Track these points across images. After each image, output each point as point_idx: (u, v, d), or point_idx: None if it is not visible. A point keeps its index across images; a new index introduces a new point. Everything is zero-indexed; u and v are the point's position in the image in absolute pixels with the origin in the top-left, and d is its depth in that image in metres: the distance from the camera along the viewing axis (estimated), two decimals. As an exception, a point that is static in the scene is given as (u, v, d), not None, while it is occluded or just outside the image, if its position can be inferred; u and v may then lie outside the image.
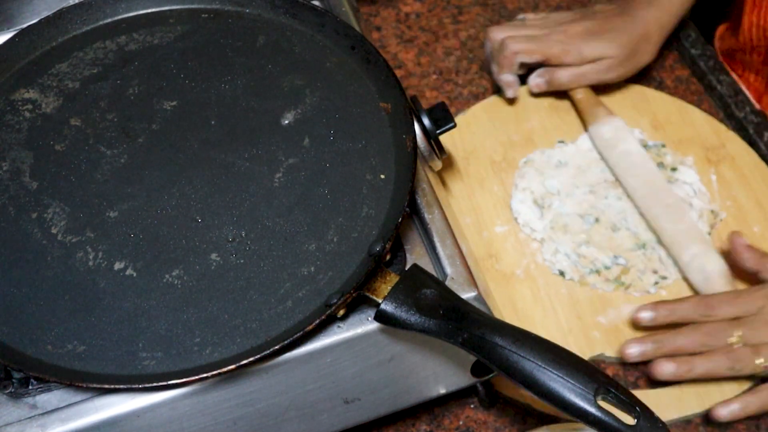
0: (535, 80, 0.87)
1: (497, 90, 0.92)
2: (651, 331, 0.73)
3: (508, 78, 0.87)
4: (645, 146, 0.86)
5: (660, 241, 0.79)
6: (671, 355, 0.71)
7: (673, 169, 0.84)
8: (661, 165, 0.84)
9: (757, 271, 0.73)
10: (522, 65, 0.87)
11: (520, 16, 0.91)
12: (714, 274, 0.75)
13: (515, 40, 0.85)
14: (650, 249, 0.79)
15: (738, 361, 0.69)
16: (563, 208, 0.82)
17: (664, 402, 0.71)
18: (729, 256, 0.76)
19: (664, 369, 0.70)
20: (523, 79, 0.90)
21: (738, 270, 0.75)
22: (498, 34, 0.87)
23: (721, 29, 1.01)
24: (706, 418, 0.71)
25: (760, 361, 0.68)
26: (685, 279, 0.77)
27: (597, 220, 0.81)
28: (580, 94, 0.87)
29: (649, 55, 0.87)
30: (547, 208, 0.82)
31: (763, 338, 0.69)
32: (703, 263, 0.75)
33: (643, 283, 0.77)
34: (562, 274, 0.78)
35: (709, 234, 0.80)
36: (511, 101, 0.90)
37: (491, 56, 0.88)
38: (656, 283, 0.77)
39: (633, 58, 0.86)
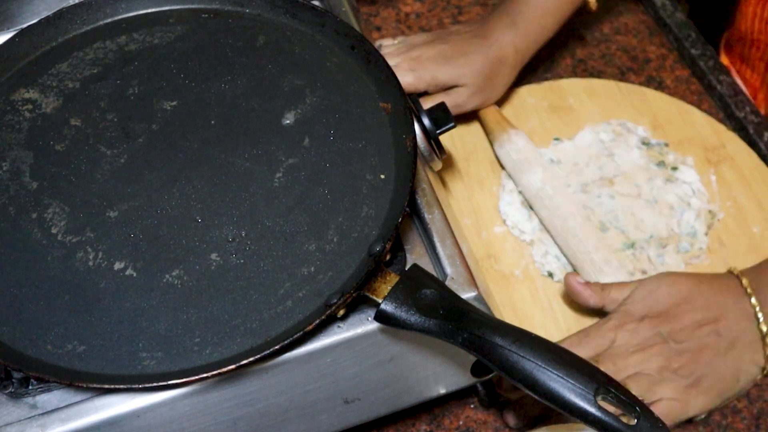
0: None
1: (497, 90, 0.92)
2: None
3: None
4: (647, 144, 0.85)
5: (648, 240, 0.79)
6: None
7: (674, 168, 0.84)
8: (662, 164, 0.84)
9: (601, 306, 0.71)
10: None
11: (377, 43, 0.88)
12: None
13: None
14: (639, 249, 0.79)
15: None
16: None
17: (664, 402, 0.71)
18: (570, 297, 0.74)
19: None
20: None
21: (585, 309, 0.74)
22: None
23: (727, 35, 1.01)
24: (706, 419, 0.71)
25: None
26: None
27: (587, 219, 0.81)
28: (484, 113, 0.86)
29: (506, 79, 0.84)
30: (537, 208, 0.82)
31: (623, 372, 0.66)
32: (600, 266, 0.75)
33: None
34: (550, 275, 0.78)
35: (706, 234, 0.80)
36: (512, 102, 0.90)
37: None
38: None
39: (490, 85, 0.83)
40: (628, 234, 0.80)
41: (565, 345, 0.64)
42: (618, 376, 0.66)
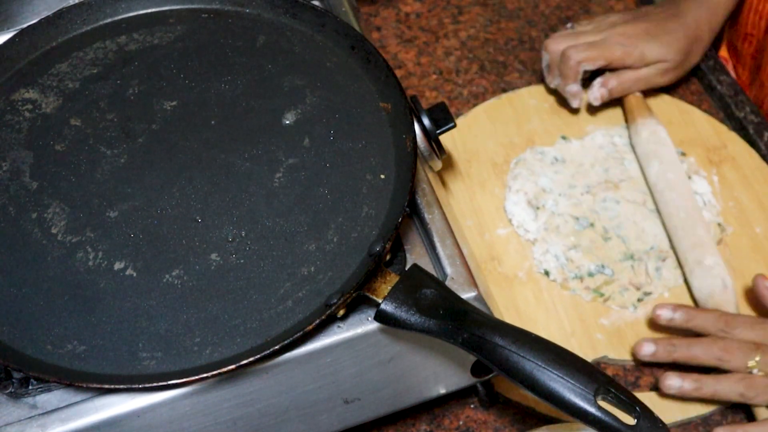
0: (595, 93, 0.86)
1: (497, 91, 0.92)
2: (666, 336, 0.72)
3: (573, 89, 0.86)
4: None
5: (648, 252, 0.78)
6: (683, 363, 0.70)
7: (688, 178, 0.83)
8: None
9: None
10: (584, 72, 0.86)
11: (569, 24, 0.91)
12: (730, 285, 0.74)
13: (577, 49, 0.84)
14: (638, 260, 0.78)
15: (752, 389, 0.67)
16: (557, 208, 0.81)
17: (667, 404, 0.71)
18: (751, 294, 0.75)
19: (672, 383, 0.69)
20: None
21: (760, 309, 0.74)
22: (558, 45, 0.86)
23: (728, 28, 1.01)
24: (706, 419, 0.71)
25: None
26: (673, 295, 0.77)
27: (591, 224, 0.80)
28: (630, 98, 0.88)
29: (698, 57, 0.88)
30: (541, 209, 0.82)
31: None
32: (724, 273, 0.74)
33: (623, 298, 0.76)
34: (546, 273, 0.78)
35: (718, 244, 0.79)
36: (513, 103, 0.90)
37: (550, 68, 0.87)
38: (639, 300, 0.76)
39: (686, 62, 0.87)
40: (628, 244, 0.79)
41: (737, 320, 0.69)
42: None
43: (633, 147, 0.86)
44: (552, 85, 0.88)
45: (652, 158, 0.82)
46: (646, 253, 0.79)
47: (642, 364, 0.74)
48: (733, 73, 0.96)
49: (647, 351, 0.71)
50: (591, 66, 0.85)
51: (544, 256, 0.79)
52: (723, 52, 1.00)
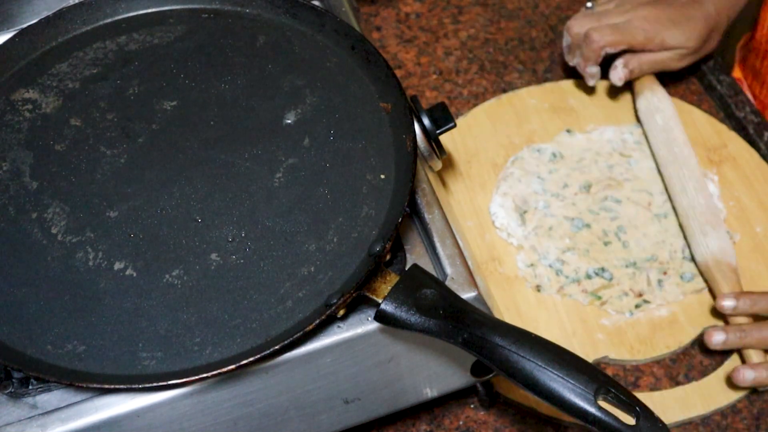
0: (619, 74, 0.86)
1: (497, 91, 0.92)
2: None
3: (593, 70, 0.86)
4: None
5: (650, 261, 0.78)
6: (754, 347, 0.71)
7: None
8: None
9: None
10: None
11: (588, 4, 0.91)
12: (718, 256, 0.75)
13: (600, 31, 0.84)
14: (640, 269, 0.77)
15: None
16: (549, 210, 0.81)
17: (668, 404, 0.71)
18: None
19: (746, 376, 0.70)
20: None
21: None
22: (580, 26, 0.86)
23: (746, 36, 1.01)
24: (706, 419, 0.71)
25: None
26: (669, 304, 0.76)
27: (588, 225, 0.80)
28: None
29: (715, 44, 0.89)
30: (530, 212, 0.81)
31: None
32: (713, 244, 0.75)
33: (621, 303, 0.76)
34: (538, 288, 0.77)
35: None
36: (513, 103, 0.90)
37: (571, 48, 0.88)
38: (637, 306, 0.75)
39: (703, 49, 0.87)
40: (630, 250, 0.78)
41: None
42: None
43: (637, 113, 0.87)
44: (571, 64, 0.89)
45: (655, 114, 0.84)
46: (648, 261, 0.78)
47: (640, 366, 0.74)
48: (749, 94, 0.96)
49: (718, 339, 0.71)
50: (614, 50, 0.85)
51: (532, 269, 0.78)
52: (736, 73, 1.00)
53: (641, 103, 0.86)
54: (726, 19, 0.88)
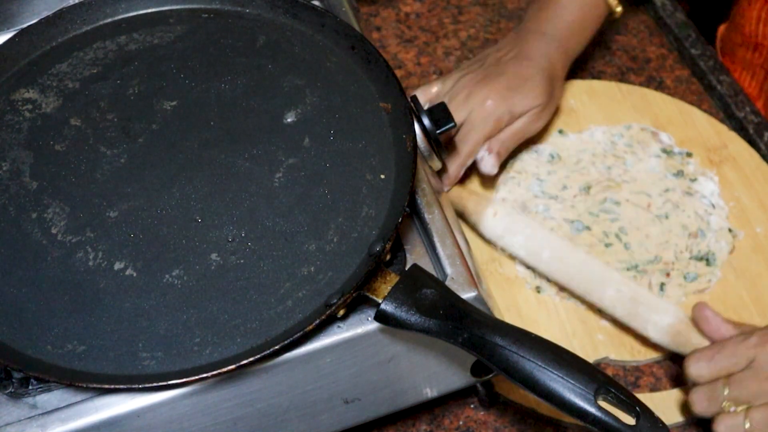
0: (489, 163, 0.79)
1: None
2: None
3: (483, 168, 0.80)
4: (669, 153, 0.85)
5: (653, 262, 0.77)
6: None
7: (693, 180, 0.83)
8: (680, 173, 0.83)
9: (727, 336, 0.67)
10: None
11: (418, 90, 0.83)
12: (666, 324, 0.71)
13: (455, 143, 0.78)
14: (642, 272, 0.77)
15: (732, 429, 0.62)
16: (548, 213, 0.81)
17: (669, 404, 0.71)
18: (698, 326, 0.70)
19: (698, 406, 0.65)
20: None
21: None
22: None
23: (722, 29, 1.01)
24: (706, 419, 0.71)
25: (747, 426, 0.62)
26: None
27: (588, 228, 0.80)
28: (456, 193, 0.81)
29: (560, 92, 0.85)
30: (531, 216, 0.80)
31: (750, 396, 0.62)
32: (656, 319, 0.71)
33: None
34: (538, 290, 0.77)
35: (730, 253, 0.79)
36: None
37: None
38: None
39: (551, 101, 0.82)
40: (632, 252, 0.78)
41: (695, 357, 0.63)
42: (752, 401, 0.62)
43: (490, 240, 0.79)
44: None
45: (509, 239, 0.78)
46: (650, 263, 0.78)
47: (639, 366, 0.74)
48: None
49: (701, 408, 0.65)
50: (473, 159, 0.79)
51: (532, 270, 0.78)
52: None
53: (491, 234, 0.79)
54: (561, 65, 0.83)
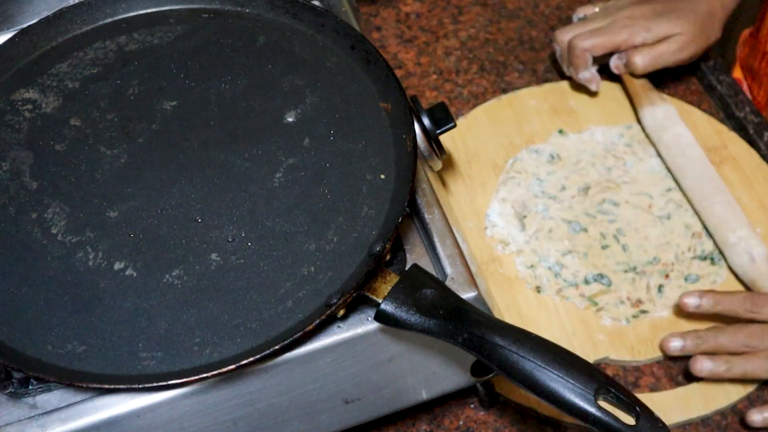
0: (615, 62, 0.87)
1: (497, 91, 0.92)
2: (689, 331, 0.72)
3: (586, 75, 0.87)
4: None
5: (652, 263, 0.78)
6: (711, 353, 0.70)
7: None
8: None
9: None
10: (597, 58, 0.87)
11: (580, 14, 0.92)
12: (759, 258, 0.75)
13: (582, 37, 0.85)
14: (640, 274, 0.77)
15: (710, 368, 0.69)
16: (548, 212, 0.81)
17: (669, 404, 0.71)
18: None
19: (703, 365, 0.70)
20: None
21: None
22: (564, 35, 0.87)
23: (745, 33, 1.01)
24: (706, 419, 0.71)
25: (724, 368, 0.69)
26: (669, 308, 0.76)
27: (585, 229, 0.80)
28: (636, 80, 0.88)
29: (716, 32, 0.88)
30: (530, 216, 0.81)
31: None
32: (751, 246, 0.75)
33: (617, 311, 0.75)
34: (538, 289, 0.77)
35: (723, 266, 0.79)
36: (513, 104, 0.90)
37: (562, 59, 0.89)
38: (634, 316, 0.75)
39: (702, 35, 0.86)
40: (630, 253, 0.78)
41: (763, 299, 0.70)
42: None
43: (645, 130, 0.86)
44: (567, 74, 0.90)
45: (666, 133, 0.83)
46: (650, 265, 0.78)
47: (640, 367, 0.74)
48: (748, 94, 0.95)
49: (676, 345, 0.71)
50: (597, 52, 0.85)
51: (532, 270, 0.78)
52: (737, 74, 1.00)
53: (646, 120, 0.86)
54: (721, 6, 0.87)
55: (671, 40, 0.85)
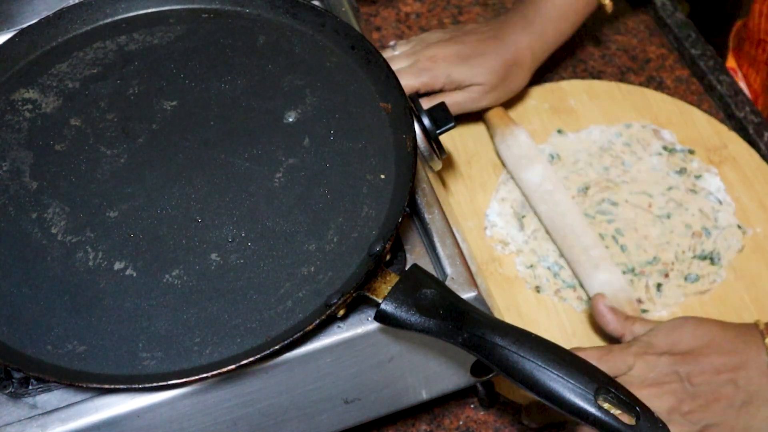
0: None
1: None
2: None
3: None
4: (671, 150, 0.84)
5: (651, 263, 0.77)
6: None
7: (698, 177, 0.83)
8: (683, 171, 0.83)
9: (620, 335, 0.69)
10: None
11: (392, 43, 0.87)
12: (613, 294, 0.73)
13: None
14: (639, 275, 0.77)
15: None
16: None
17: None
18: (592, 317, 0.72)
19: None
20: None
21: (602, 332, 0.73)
22: None
23: (738, 24, 1.01)
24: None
25: None
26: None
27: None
28: (491, 109, 0.86)
29: (521, 80, 0.85)
30: (529, 216, 0.81)
31: None
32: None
33: None
34: (537, 289, 0.77)
35: (741, 251, 0.78)
36: (513, 104, 0.90)
37: None
38: None
39: (504, 84, 0.83)
40: (629, 254, 0.78)
41: (584, 355, 0.63)
42: None
43: (501, 158, 0.84)
44: None
45: (521, 168, 0.81)
46: (649, 264, 0.78)
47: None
48: (742, 83, 0.95)
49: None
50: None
51: (531, 270, 0.78)
52: (730, 63, 1.00)
53: (501, 150, 0.84)
54: (530, 55, 0.83)
55: (470, 89, 0.82)
